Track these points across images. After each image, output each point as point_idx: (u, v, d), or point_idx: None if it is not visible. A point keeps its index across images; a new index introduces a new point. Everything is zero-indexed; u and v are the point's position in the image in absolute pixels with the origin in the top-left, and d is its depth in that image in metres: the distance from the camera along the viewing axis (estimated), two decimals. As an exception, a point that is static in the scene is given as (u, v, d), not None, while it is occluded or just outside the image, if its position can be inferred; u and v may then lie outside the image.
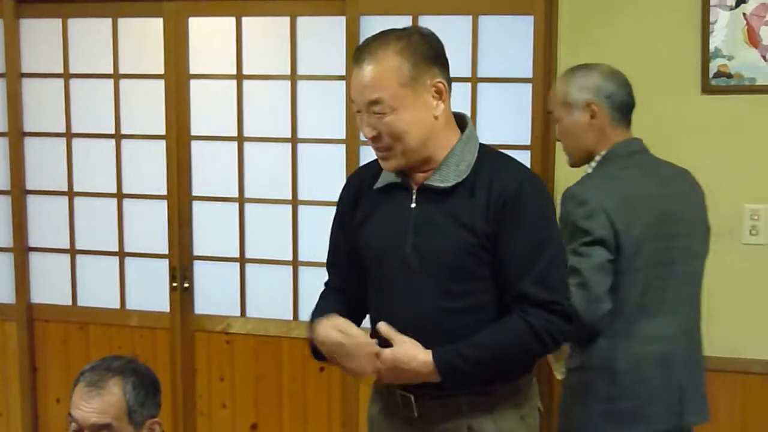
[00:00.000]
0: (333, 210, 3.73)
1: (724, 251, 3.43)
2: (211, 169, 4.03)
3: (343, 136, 3.82)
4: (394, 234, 2.36)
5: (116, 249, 4.17)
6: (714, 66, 3.39)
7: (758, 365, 3.48)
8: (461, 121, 2.41)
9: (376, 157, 2.52)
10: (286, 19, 3.86)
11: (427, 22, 3.63)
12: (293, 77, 3.89)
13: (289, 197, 3.95)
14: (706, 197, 3.26)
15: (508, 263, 2.25)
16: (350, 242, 2.49)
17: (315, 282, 3.85)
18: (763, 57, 3.35)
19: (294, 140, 3.91)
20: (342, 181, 3.73)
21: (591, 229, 2.68)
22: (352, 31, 3.75)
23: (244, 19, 3.92)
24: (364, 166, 2.60)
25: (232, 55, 3.94)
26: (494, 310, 2.30)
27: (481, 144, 2.40)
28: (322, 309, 2.44)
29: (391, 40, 2.30)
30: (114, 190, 4.14)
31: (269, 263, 4.01)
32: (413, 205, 2.35)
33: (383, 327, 2.31)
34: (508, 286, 2.26)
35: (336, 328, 2.30)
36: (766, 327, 3.46)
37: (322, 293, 2.58)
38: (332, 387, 3.96)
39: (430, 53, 2.32)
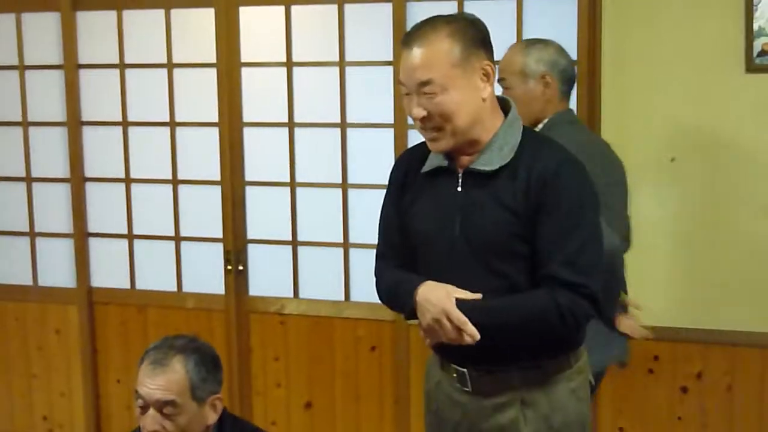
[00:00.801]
0: (382, 193, 3.90)
1: (766, 227, 3.48)
2: (263, 155, 4.13)
3: (392, 121, 3.90)
4: (441, 217, 2.43)
5: (173, 234, 4.29)
6: (758, 45, 3.42)
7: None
8: (504, 105, 2.47)
9: (422, 141, 2.60)
10: (334, 7, 3.94)
11: (472, 7, 3.69)
12: (341, 63, 3.97)
13: (339, 181, 4.03)
14: (751, 174, 3.34)
15: (541, 243, 2.31)
16: (402, 221, 2.56)
17: (365, 263, 3.97)
18: (807, 35, 3.37)
19: (343, 125, 4.00)
20: (390, 165, 3.87)
21: None
22: (399, 17, 3.82)
23: (293, 8, 4.00)
24: (412, 148, 2.66)
25: (282, 42, 4.03)
26: (533, 287, 2.37)
27: (524, 127, 2.46)
28: (399, 275, 2.52)
29: (440, 24, 2.37)
30: (169, 176, 4.26)
31: (321, 245, 4.11)
32: (459, 189, 2.42)
33: None
34: (539, 266, 2.32)
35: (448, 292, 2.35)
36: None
37: (383, 269, 2.61)
38: (383, 365, 4.05)
39: (478, 37, 2.38)
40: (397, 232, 2.59)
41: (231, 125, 4.10)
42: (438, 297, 2.33)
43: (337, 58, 3.97)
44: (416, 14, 3.80)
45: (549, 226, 2.30)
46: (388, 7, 3.85)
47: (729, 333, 3.57)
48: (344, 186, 4.03)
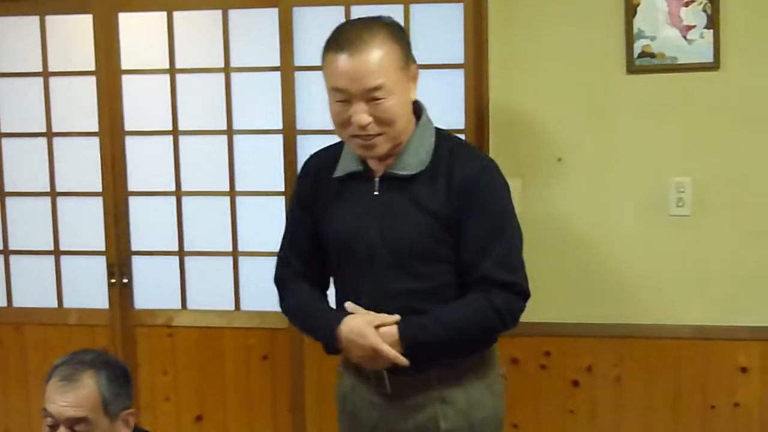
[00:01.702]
0: (271, 199, 3.91)
1: (653, 223, 3.61)
2: (147, 164, 4.03)
3: (280, 126, 3.87)
4: (358, 222, 2.42)
5: (51, 248, 4.14)
6: (638, 46, 3.54)
7: (687, 330, 3.65)
8: (416, 108, 2.48)
9: (329, 145, 2.60)
10: (218, 12, 3.88)
11: (359, 12, 3.69)
12: (227, 70, 3.91)
13: (227, 189, 3.97)
14: (633, 172, 3.48)
15: (470, 247, 2.35)
16: (313, 227, 2.53)
17: (255, 272, 4.00)
18: (684, 37, 3.50)
19: (230, 132, 3.94)
20: (279, 170, 3.87)
21: None
22: (285, 22, 3.80)
23: (175, 13, 3.92)
24: (319, 153, 2.64)
25: (164, 49, 3.94)
26: (456, 289, 2.40)
27: (436, 128, 2.48)
28: (310, 299, 2.50)
29: (378, 27, 2.35)
30: (47, 189, 4.11)
31: (209, 255, 4.03)
32: (376, 193, 2.42)
33: (350, 306, 2.39)
34: (470, 269, 2.36)
35: (371, 325, 2.36)
36: (693, 293, 3.62)
37: (288, 279, 2.59)
38: (277, 374, 4.01)
39: (407, 40, 2.40)
40: (305, 239, 2.57)
41: (112, 134, 3.99)
42: (363, 335, 2.32)
43: (222, 64, 3.91)
44: (303, 19, 3.80)
45: (477, 229, 2.34)
46: (273, 13, 3.81)
47: (617, 326, 3.68)
48: (232, 194, 3.97)
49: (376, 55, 2.29)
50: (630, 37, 3.54)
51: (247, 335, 4.03)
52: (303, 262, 2.57)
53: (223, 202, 3.99)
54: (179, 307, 4.07)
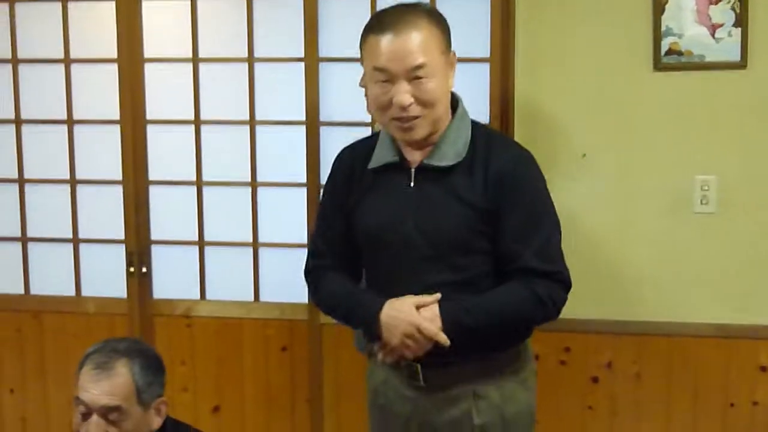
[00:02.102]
0: (292, 191, 3.90)
1: (677, 220, 3.61)
2: (168, 153, 4.02)
3: (303, 118, 3.86)
4: (394, 213, 2.41)
5: (70, 236, 4.13)
6: (665, 44, 3.53)
7: (709, 328, 3.65)
8: (452, 99, 2.48)
9: (362, 138, 2.59)
10: (243, 1, 3.86)
11: (385, 3, 3.68)
12: (250, 59, 3.89)
13: (248, 179, 3.96)
14: (659, 170, 3.48)
15: (509, 238, 2.35)
16: (346, 220, 2.52)
17: (275, 263, 3.99)
18: (712, 35, 3.50)
19: (252, 122, 3.92)
20: (301, 162, 3.86)
21: None
22: (311, 13, 3.79)
23: (200, 2, 3.90)
24: (353, 145, 2.63)
25: (188, 37, 3.93)
26: (492, 281, 2.40)
27: (472, 120, 2.48)
28: (348, 286, 2.50)
29: (420, 11, 2.37)
30: (67, 176, 4.09)
31: (229, 245, 4.02)
32: (412, 185, 2.41)
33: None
34: (509, 260, 2.36)
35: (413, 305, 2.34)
36: (715, 291, 3.62)
37: (322, 271, 2.58)
38: (295, 366, 4.00)
39: (449, 27, 2.40)
40: (337, 232, 2.56)
41: (134, 123, 3.97)
42: (405, 312, 2.31)
43: (245, 54, 3.90)
44: (328, 10, 3.79)
45: (515, 220, 2.34)
46: (299, 2, 3.80)
47: (637, 324, 3.68)
48: (253, 184, 3.96)
49: (420, 35, 2.31)
50: (658, 35, 3.53)
51: (266, 326, 4.02)
52: (335, 254, 2.56)
53: (245, 192, 3.97)
54: (198, 297, 4.06)
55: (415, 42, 2.30)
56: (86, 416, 2.40)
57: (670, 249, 3.63)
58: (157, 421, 2.49)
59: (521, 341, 2.49)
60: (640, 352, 3.71)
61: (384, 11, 2.41)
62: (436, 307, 2.31)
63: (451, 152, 2.38)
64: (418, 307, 2.31)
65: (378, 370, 2.57)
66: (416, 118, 2.35)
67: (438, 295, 2.32)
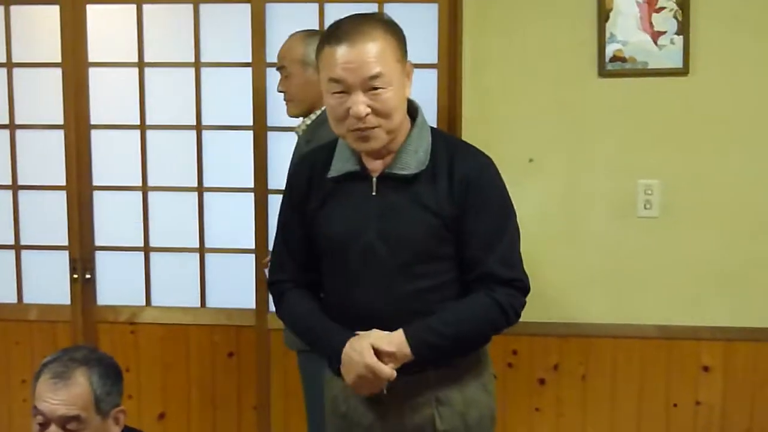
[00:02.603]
0: (240, 196, 3.89)
1: (621, 224, 3.68)
2: (113, 158, 3.98)
3: (250, 123, 3.85)
4: (356, 222, 2.40)
5: (12, 242, 4.06)
6: (610, 51, 3.60)
7: (652, 330, 3.72)
8: (411, 108, 2.49)
9: (320, 145, 2.59)
10: (189, 6, 3.85)
11: (332, 9, 3.71)
12: (197, 64, 3.88)
13: (195, 184, 3.94)
14: (603, 174, 3.56)
15: (473, 244, 2.36)
16: (305, 229, 2.51)
17: (222, 268, 3.97)
18: (655, 42, 3.57)
19: (199, 127, 3.91)
20: (248, 167, 3.85)
21: None
22: (258, 18, 3.79)
23: (145, 6, 3.88)
24: (310, 153, 2.61)
25: (134, 42, 3.90)
26: (457, 287, 2.41)
27: (431, 127, 2.49)
28: (312, 314, 2.50)
29: (375, 21, 2.35)
30: (9, 182, 4.03)
31: (175, 251, 4.00)
32: (374, 193, 2.41)
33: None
34: (473, 266, 2.37)
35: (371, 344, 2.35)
36: (658, 294, 3.70)
37: (286, 288, 2.54)
38: (243, 371, 3.99)
39: (404, 36, 2.40)
40: (299, 242, 2.53)
41: (78, 127, 3.93)
42: (361, 354, 2.32)
43: (192, 59, 3.88)
44: (276, 15, 3.79)
45: (479, 227, 2.35)
46: (246, 8, 3.79)
47: (583, 326, 3.74)
48: (200, 189, 3.94)
49: (375, 45, 2.30)
50: (602, 42, 3.60)
51: (212, 332, 4.00)
52: (298, 265, 2.54)
53: (191, 198, 3.95)
54: (143, 303, 4.02)
55: (370, 53, 2.30)
56: (44, 426, 2.37)
57: (616, 252, 3.70)
58: (115, 430, 2.46)
59: (482, 347, 2.51)
60: (586, 354, 3.77)
61: (339, 22, 2.40)
62: (400, 333, 2.33)
63: (413, 161, 2.38)
64: (375, 349, 2.33)
65: (336, 378, 2.56)
66: (374, 128, 2.35)
67: (399, 334, 2.34)
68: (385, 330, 2.35)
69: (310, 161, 2.56)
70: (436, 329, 2.33)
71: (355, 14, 2.42)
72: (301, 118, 3.39)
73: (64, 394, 2.36)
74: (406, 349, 2.32)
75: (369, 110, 2.31)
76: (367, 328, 2.37)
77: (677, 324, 3.71)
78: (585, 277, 3.72)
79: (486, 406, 2.51)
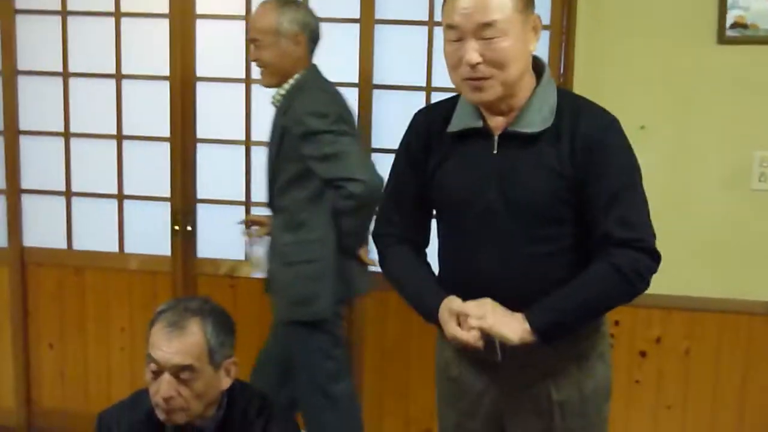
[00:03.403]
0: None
1: (734, 196, 3.58)
2: (217, 112, 3.98)
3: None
4: (476, 181, 2.33)
5: (116, 192, 4.10)
6: (731, 17, 3.48)
7: (760, 306, 3.63)
8: (537, 65, 2.42)
9: (438, 101, 2.53)
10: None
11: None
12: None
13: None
14: (718, 145, 3.52)
15: (594, 206, 2.27)
16: (420, 186, 2.47)
17: None
18: (779, 8, 3.45)
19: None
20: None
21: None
22: (368, -26, 3.75)
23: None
24: (427, 109, 2.55)
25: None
26: (579, 253, 2.32)
27: (558, 87, 2.41)
28: (413, 269, 2.46)
29: None
30: (114, 132, 4.05)
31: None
32: (495, 152, 2.35)
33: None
34: (593, 228, 2.28)
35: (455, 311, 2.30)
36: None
37: (389, 242, 2.51)
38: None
39: None
40: (410, 197, 2.48)
41: (183, 80, 3.93)
42: (445, 322, 2.29)
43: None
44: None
45: (601, 187, 2.26)
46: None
47: (688, 299, 3.65)
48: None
49: None
50: (723, 8, 3.48)
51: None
52: (405, 222, 2.49)
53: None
54: (243, 257, 4.02)
55: None
56: (157, 374, 2.37)
57: (726, 225, 3.60)
58: (226, 382, 2.45)
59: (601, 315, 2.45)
60: (690, 328, 3.69)
61: None
62: (522, 321, 2.25)
63: (537, 119, 2.31)
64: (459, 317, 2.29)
65: (449, 343, 2.52)
66: (487, 78, 2.29)
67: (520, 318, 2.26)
68: (499, 294, 2.28)
69: (427, 118, 2.49)
70: (560, 309, 2.25)
71: None
72: (275, 90, 3.38)
73: (178, 344, 2.36)
74: (529, 337, 2.24)
75: (480, 59, 2.24)
76: (482, 291, 2.30)
77: (788, 300, 3.62)
78: (692, 249, 3.63)
79: (603, 377, 2.44)
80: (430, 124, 2.47)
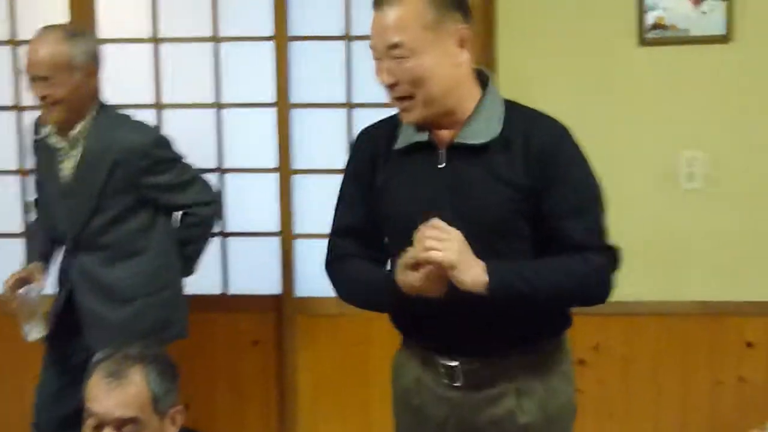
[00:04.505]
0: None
1: (662, 198, 3.58)
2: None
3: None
4: (426, 197, 2.24)
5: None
6: (650, 18, 3.48)
7: (695, 306, 3.63)
8: (481, 77, 2.34)
9: (385, 117, 2.44)
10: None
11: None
12: (216, 39, 3.74)
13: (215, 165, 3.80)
14: (645, 146, 3.51)
15: (558, 216, 2.20)
16: (369, 207, 2.36)
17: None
18: (697, 8, 3.45)
19: (218, 106, 3.77)
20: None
21: None
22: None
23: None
24: (374, 125, 2.46)
25: (148, 17, 3.74)
26: None
27: (504, 98, 2.35)
28: (369, 267, 2.34)
29: None
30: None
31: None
32: (442, 165, 2.26)
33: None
34: (562, 239, 2.21)
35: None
36: (704, 269, 3.61)
37: (340, 261, 2.40)
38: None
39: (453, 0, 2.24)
40: (362, 219, 2.37)
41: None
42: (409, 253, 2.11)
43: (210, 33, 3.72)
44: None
45: (564, 196, 2.20)
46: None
47: (625, 304, 3.61)
48: (220, 171, 3.80)
49: (398, 11, 2.16)
50: (642, 9, 3.48)
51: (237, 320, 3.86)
52: (359, 244, 2.39)
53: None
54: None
55: (389, 19, 2.16)
56: (98, 429, 2.20)
57: (658, 226, 3.60)
58: (172, 431, 2.31)
59: (564, 329, 2.38)
60: (628, 333, 3.67)
61: None
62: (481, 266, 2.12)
63: (484, 129, 2.23)
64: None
65: (408, 368, 2.40)
66: (408, 99, 2.21)
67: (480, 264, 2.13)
68: (458, 311, 2.17)
69: (373, 134, 2.40)
70: (525, 276, 2.14)
71: None
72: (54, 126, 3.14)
73: (120, 395, 2.19)
74: (479, 290, 2.10)
75: (392, 79, 2.18)
76: (440, 309, 2.17)
77: (721, 300, 3.61)
78: (626, 252, 3.57)
79: (567, 396, 2.37)
80: (374, 143, 2.37)
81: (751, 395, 3.66)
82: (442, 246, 2.08)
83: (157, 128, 3.45)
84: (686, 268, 3.61)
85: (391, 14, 2.16)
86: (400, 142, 2.30)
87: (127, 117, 3.20)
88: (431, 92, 2.19)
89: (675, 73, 3.52)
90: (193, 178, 3.20)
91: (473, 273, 2.10)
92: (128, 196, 3.10)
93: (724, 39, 3.47)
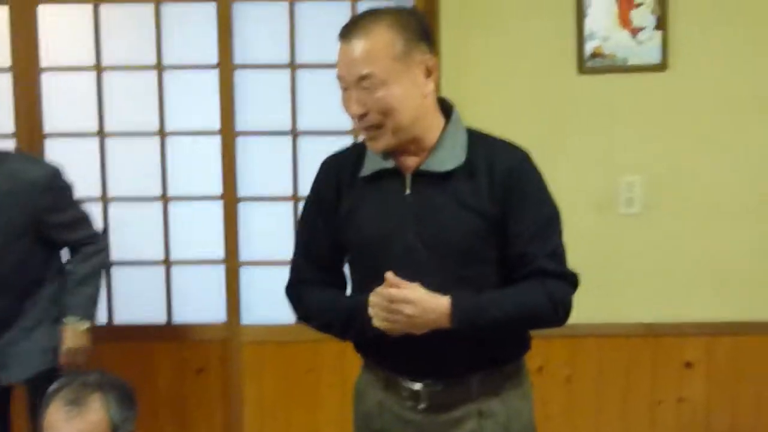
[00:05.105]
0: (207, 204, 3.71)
1: (601, 222, 3.65)
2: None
3: (218, 127, 3.69)
4: (391, 224, 2.27)
5: None
6: (589, 47, 3.57)
7: (636, 327, 3.70)
8: (444, 105, 2.38)
9: (348, 146, 2.47)
10: (150, 6, 3.66)
11: (303, 8, 3.59)
12: (159, 67, 3.70)
13: (159, 193, 3.76)
14: (584, 172, 3.57)
15: (522, 241, 2.24)
16: (332, 234, 2.38)
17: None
18: (634, 38, 3.55)
19: (162, 134, 3.74)
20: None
21: None
22: (224, 17, 3.63)
23: (103, 6, 3.68)
24: (338, 153, 2.47)
25: (90, 45, 3.70)
26: None
27: (467, 127, 2.39)
28: (333, 295, 2.36)
29: (381, 15, 2.23)
30: None
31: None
32: (407, 192, 2.29)
33: (390, 275, 2.19)
34: (522, 263, 2.25)
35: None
36: (643, 291, 3.68)
37: (303, 288, 2.43)
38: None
39: (420, 29, 2.27)
40: (324, 247, 2.38)
41: (30, 135, 3.69)
42: (377, 292, 2.18)
43: (154, 61, 3.70)
44: (243, 15, 3.64)
45: (526, 223, 2.24)
46: (211, 7, 3.63)
47: (569, 326, 3.66)
48: (165, 199, 3.77)
49: (367, 43, 2.19)
50: (581, 38, 3.56)
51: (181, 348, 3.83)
52: (321, 272, 2.40)
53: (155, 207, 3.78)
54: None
55: (357, 51, 2.19)
56: (57, 458, 2.18)
57: (598, 250, 3.66)
58: (128, 459, 2.29)
59: (524, 352, 2.42)
60: (571, 354, 3.72)
61: (355, 15, 2.33)
62: (446, 301, 2.17)
63: (449, 156, 2.27)
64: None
65: (370, 392, 2.41)
66: (377, 128, 2.25)
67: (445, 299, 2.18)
68: (423, 337, 2.19)
69: (337, 163, 2.41)
70: (486, 308, 2.19)
71: (372, 8, 2.31)
72: None
73: (80, 423, 2.17)
74: (446, 314, 2.17)
75: (363, 109, 2.21)
76: (407, 337, 2.20)
77: (661, 321, 3.70)
78: (568, 276, 3.67)
79: (527, 416, 2.40)
80: (338, 170, 2.39)
81: (690, 415, 3.75)
82: (392, 318, 2.17)
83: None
84: (627, 290, 3.68)
85: (360, 46, 2.19)
86: (366, 169, 2.32)
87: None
88: (400, 121, 2.22)
89: (613, 101, 3.60)
90: (86, 213, 3.14)
91: (434, 321, 2.17)
92: (28, 235, 3.00)
93: (660, 67, 3.57)
